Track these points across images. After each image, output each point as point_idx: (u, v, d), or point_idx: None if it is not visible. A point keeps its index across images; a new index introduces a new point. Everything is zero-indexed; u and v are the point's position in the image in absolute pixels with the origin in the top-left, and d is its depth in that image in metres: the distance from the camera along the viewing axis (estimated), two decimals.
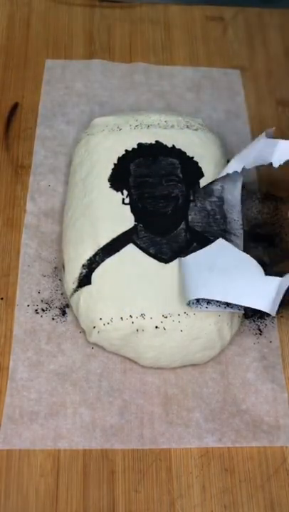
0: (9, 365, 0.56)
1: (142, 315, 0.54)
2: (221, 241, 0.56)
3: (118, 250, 0.56)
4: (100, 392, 0.55)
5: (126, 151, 0.62)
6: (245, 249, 0.58)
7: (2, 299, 0.59)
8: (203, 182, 0.61)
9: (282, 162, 0.57)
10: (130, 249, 0.57)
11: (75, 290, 0.56)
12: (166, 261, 0.56)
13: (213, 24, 0.82)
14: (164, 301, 0.55)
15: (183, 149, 0.63)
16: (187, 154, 0.63)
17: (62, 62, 0.76)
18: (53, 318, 0.58)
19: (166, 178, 0.61)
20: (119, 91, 0.75)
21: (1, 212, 0.64)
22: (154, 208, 0.59)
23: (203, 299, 0.54)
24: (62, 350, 0.57)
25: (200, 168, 0.62)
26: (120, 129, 0.64)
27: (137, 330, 0.54)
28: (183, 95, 0.75)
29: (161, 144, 0.63)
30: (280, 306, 0.57)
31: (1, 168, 0.67)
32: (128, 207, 0.59)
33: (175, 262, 0.56)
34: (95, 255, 0.57)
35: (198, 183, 0.61)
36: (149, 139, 0.63)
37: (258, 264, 0.54)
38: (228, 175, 0.60)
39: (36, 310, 0.58)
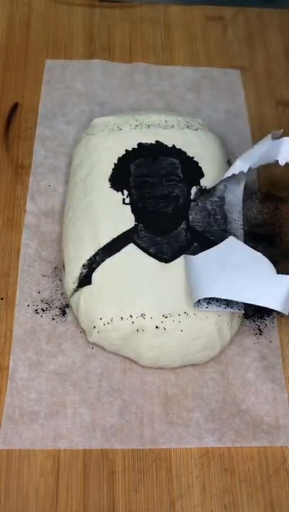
0: (9, 365, 0.56)
1: (142, 315, 0.54)
2: (231, 239, 0.56)
3: (118, 250, 0.56)
4: (100, 392, 0.55)
5: (126, 151, 0.62)
6: None
7: (2, 299, 0.59)
8: (203, 182, 0.61)
9: (288, 160, 0.57)
10: (130, 249, 0.57)
11: (75, 290, 0.56)
12: (167, 261, 0.56)
13: (213, 24, 0.82)
14: (165, 301, 0.55)
15: (183, 149, 0.63)
16: (187, 154, 0.63)
17: (62, 62, 0.76)
18: (53, 318, 0.58)
19: (166, 178, 0.61)
20: (119, 91, 0.75)
21: (1, 212, 0.64)
22: (154, 207, 0.59)
23: (204, 299, 0.54)
24: (62, 350, 0.57)
25: (200, 168, 0.62)
26: (120, 129, 0.64)
27: (137, 330, 0.54)
28: (183, 95, 0.75)
29: (162, 143, 0.63)
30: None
31: (1, 168, 0.67)
32: (128, 207, 0.59)
33: (176, 262, 0.56)
34: (95, 255, 0.57)
35: (200, 184, 0.61)
36: (149, 138, 0.63)
37: (270, 262, 0.54)
38: (233, 175, 0.60)
39: (36, 310, 0.58)
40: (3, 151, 0.69)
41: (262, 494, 0.52)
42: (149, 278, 0.55)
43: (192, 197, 0.60)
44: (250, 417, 0.55)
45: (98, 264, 0.56)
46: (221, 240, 0.57)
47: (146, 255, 0.56)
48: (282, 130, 0.60)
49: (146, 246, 0.57)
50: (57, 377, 0.55)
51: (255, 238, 0.63)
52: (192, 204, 0.59)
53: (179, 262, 0.56)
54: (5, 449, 0.52)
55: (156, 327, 0.54)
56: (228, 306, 0.55)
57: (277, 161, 0.58)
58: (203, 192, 0.60)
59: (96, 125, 0.66)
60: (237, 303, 0.56)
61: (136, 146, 0.63)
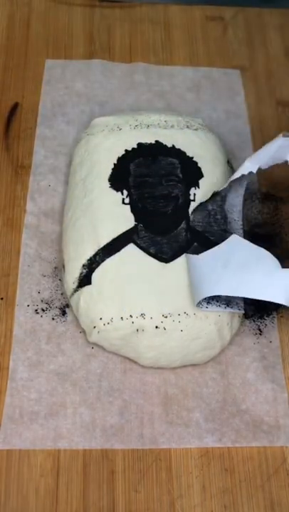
0: (9, 365, 0.56)
1: (142, 315, 0.54)
2: (234, 237, 0.56)
3: (118, 250, 0.56)
4: (100, 392, 0.55)
5: (126, 151, 0.62)
6: None
7: (2, 299, 0.59)
8: (202, 182, 0.61)
9: None
10: (130, 249, 0.57)
11: (75, 290, 0.56)
12: (167, 260, 0.56)
13: (213, 24, 0.82)
14: (165, 301, 0.55)
15: (183, 149, 0.63)
16: (187, 154, 0.63)
17: (62, 62, 0.76)
18: (53, 318, 0.58)
19: (166, 178, 0.61)
20: (119, 91, 0.75)
21: (1, 212, 0.64)
22: (154, 207, 0.59)
23: (204, 299, 0.54)
24: (62, 350, 0.57)
25: (199, 168, 0.62)
26: (120, 129, 0.64)
27: (137, 330, 0.54)
28: (183, 95, 0.75)
29: (161, 143, 0.63)
30: (280, 306, 0.57)
31: (1, 168, 0.67)
32: (128, 207, 0.59)
33: (176, 262, 0.56)
34: (95, 255, 0.57)
35: (198, 184, 0.61)
36: (149, 138, 0.63)
37: (274, 258, 0.53)
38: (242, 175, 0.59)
39: (36, 310, 0.58)
40: (3, 151, 0.69)
41: (262, 494, 0.52)
42: (149, 278, 0.55)
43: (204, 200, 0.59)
44: (250, 417, 0.55)
45: (98, 264, 0.56)
46: (221, 240, 0.57)
47: (146, 255, 0.56)
48: None
49: (146, 246, 0.57)
50: (57, 377, 0.55)
51: (255, 238, 0.63)
52: (192, 204, 0.59)
53: (179, 261, 0.56)
54: (5, 449, 0.52)
55: (156, 327, 0.54)
56: (228, 306, 0.55)
57: (286, 162, 0.57)
58: (215, 194, 0.59)
59: (96, 125, 0.66)
60: (237, 303, 0.56)
61: (136, 146, 0.63)
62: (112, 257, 0.56)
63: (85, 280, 0.56)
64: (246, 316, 0.59)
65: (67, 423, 0.53)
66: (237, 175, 0.58)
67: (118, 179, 0.61)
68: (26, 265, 0.61)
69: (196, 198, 0.60)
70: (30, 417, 0.53)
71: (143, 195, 0.60)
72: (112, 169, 0.61)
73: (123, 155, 0.62)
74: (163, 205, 0.59)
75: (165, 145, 0.63)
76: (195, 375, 0.57)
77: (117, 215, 0.58)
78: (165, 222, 0.59)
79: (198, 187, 0.61)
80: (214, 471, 0.53)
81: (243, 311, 0.57)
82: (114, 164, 0.61)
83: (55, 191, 0.66)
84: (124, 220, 0.58)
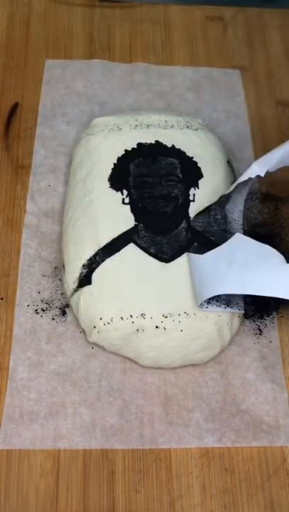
0: (9, 365, 0.56)
1: (142, 315, 0.54)
2: (238, 236, 0.56)
3: (118, 250, 0.56)
4: (100, 392, 0.55)
5: (126, 151, 0.62)
6: None
7: (2, 299, 0.59)
8: (202, 182, 0.61)
9: None
10: (131, 249, 0.57)
11: (76, 290, 0.56)
12: (167, 260, 0.56)
13: (213, 24, 0.82)
14: (165, 300, 0.55)
15: (183, 149, 0.63)
16: (187, 154, 0.63)
17: (62, 62, 0.76)
18: (53, 318, 0.58)
19: (165, 178, 0.61)
20: (119, 91, 0.75)
21: (1, 212, 0.64)
22: (154, 207, 0.59)
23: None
24: (62, 350, 0.57)
25: (199, 169, 0.62)
26: (120, 129, 0.64)
27: (137, 330, 0.54)
28: (183, 95, 0.75)
29: (161, 143, 0.63)
30: (281, 305, 0.57)
31: (1, 168, 0.67)
32: (128, 207, 0.59)
33: (176, 262, 0.56)
34: (95, 255, 0.57)
35: (198, 184, 0.61)
36: (148, 138, 0.63)
37: (279, 254, 0.53)
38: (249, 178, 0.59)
39: (36, 310, 0.58)
40: (3, 151, 0.69)
41: (262, 494, 0.52)
42: (149, 278, 0.55)
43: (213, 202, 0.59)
44: (250, 417, 0.55)
45: (98, 264, 0.56)
46: (221, 240, 0.57)
47: (147, 255, 0.57)
48: None
49: (147, 246, 0.57)
50: (57, 377, 0.55)
51: (255, 238, 0.63)
52: (196, 205, 0.59)
53: (180, 261, 0.56)
54: (5, 449, 0.52)
55: (156, 327, 0.54)
56: (228, 306, 0.55)
57: None
58: (223, 197, 0.59)
59: (96, 125, 0.66)
60: (237, 303, 0.56)
61: (135, 146, 0.63)
62: (112, 257, 0.56)
63: (85, 280, 0.56)
64: (246, 316, 0.59)
65: (67, 423, 0.53)
66: (244, 177, 0.58)
67: (118, 179, 0.61)
68: (26, 265, 0.61)
69: (195, 198, 0.60)
70: (30, 417, 0.53)
71: (143, 195, 0.60)
72: (112, 169, 0.61)
73: (123, 155, 0.62)
74: (163, 205, 0.59)
75: (165, 145, 0.63)
76: (195, 375, 0.57)
77: (117, 215, 0.58)
78: (165, 222, 0.59)
79: (198, 187, 0.61)
80: (214, 471, 0.53)
81: (243, 311, 0.57)
82: (114, 164, 0.61)
83: (55, 191, 0.66)
84: (124, 220, 0.58)
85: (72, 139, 0.69)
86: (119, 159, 0.62)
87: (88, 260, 0.57)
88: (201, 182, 0.61)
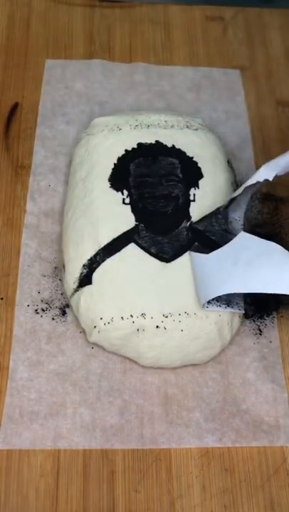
0: (9, 365, 0.56)
1: (143, 315, 0.54)
2: (243, 234, 0.56)
3: (119, 250, 0.56)
4: (100, 392, 0.55)
5: (126, 151, 0.62)
6: None
7: (2, 299, 0.59)
8: (202, 182, 0.61)
9: None
10: (131, 249, 0.57)
11: (76, 290, 0.56)
12: (168, 260, 0.56)
13: (213, 24, 0.82)
14: (165, 300, 0.55)
15: (183, 149, 0.63)
16: (187, 154, 0.63)
17: (62, 62, 0.76)
18: (53, 318, 0.58)
19: (165, 178, 0.61)
20: (119, 91, 0.75)
21: (1, 212, 0.64)
22: (154, 207, 0.59)
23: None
24: (62, 350, 0.57)
25: (199, 169, 0.62)
26: (120, 129, 0.64)
27: (138, 330, 0.54)
28: (183, 95, 0.75)
29: (161, 143, 0.63)
30: (281, 305, 0.57)
31: (1, 168, 0.67)
32: (128, 207, 0.59)
33: (176, 262, 0.56)
34: (95, 255, 0.57)
35: (198, 185, 0.61)
36: (149, 138, 0.63)
37: (284, 250, 0.52)
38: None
39: (36, 310, 0.58)
40: (3, 151, 0.69)
41: (262, 494, 0.52)
42: (150, 278, 0.55)
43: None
44: (250, 417, 0.55)
45: (98, 264, 0.56)
46: (222, 240, 0.57)
47: (147, 255, 0.56)
48: None
49: (147, 246, 0.57)
50: (57, 377, 0.55)
51: None
52: (195, 205, 0.59)
53: (180, 261, 0.56)
54: (5, 449, 0.52)
55: (157, 327, 0.54)
56: (228, 305, 0.55)
57: None
58: (232, 200, 0.59)
59: (96, 125, 0.66)
60: (237, 303, 0.56)
61: (136, 146, 0.63)
62: (113, 257, 0.56)
63: (85, 280, 0.56)
64: (246, 316, 0.59)
65: (67, 423, 0.53)
66: (252, 181, 0.57)
67: (118, 179, 0.61)
68: (26, 265, 0.61)
69: (196, 198, 0.60)
70: (30, 417, 0.53)
71: (143, 195, 0.60)
72: (112, 169, 0.61)
73: (123, 155, 0.62)
74: (163, 205, 0.59)
75: (165, 145, 0.63)
76: (195, 375, 0.57)
77: (117, 215, 0.58)
78: (166, 222, 0.59)
79: (198, 187, 0.61)
80: (214, 471, 0.53)
81: (243, 311, 0.57)
82: (114, 164, 0.61)
83: (55, 191, 0.66)
84: (125, 220, 0.58)
85: (72, 139, 0.69)
86: (119, 159, 0.62)
87: (89, 260, 0.57)
88: (201, 182, 0.61)
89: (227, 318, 0.55)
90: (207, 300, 0.53)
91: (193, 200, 0.60)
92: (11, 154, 0.68)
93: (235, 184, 0.65)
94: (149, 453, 0.53)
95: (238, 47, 0.80)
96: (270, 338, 0.59)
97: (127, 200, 0.59)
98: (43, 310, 0.58)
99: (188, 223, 0.58)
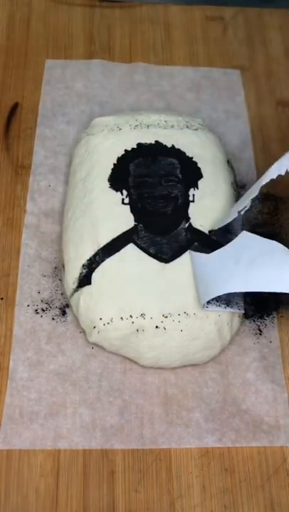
0: (9, 365, 0.56)
1: (142, 315, 0.54)
2: (245, 233, 0.56)
3: (118, 250, 0.56)
4: (100, 392, 0.55)
5: (126, 151, 0.62)
6: None
7: (2, 299, 0.59)
8: (202, 183, 0.61)
9: None
10: (130, 249, 0.57)
11: (75, 290, 0.56)
12: (167, 261, 0.56)
13: (213, 24, 0.82)
14: (164, 300, 0.55)
15: (182, 149, 0.63)
16: (187, 154, 0.63)
17: (62, 62, 0.76)
18: (53, 318, 0.58)
19: (165, 178, 0.61)
20: (119, 91, 0.75)
21: (1, 212, 0.64)
22: (153, 208, 0.59)
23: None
24: (62, 350, 0.57)
25: (199, 169, 0.62)
26: (120, 129, 0.64)
27: (137, 330, 0.54)
28: (183, 95, 0.75)
29: (161, 143, 0.63)
30: (280, 305, 0.57)
31: (1, 168, 0.67)
32: (128, 207, 0.59)
33: (176, 262, 0.56)
34: (95, 255, 0.57)
35: (197, 185, 0.61)
36: (148, 138, 0.63)
37: (287, 249, 0.52)
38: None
39: (36, 310, 0.58)
40: (3, 151, 0.69)
41: (262, 494, 0.52)
42: (149, 278, 0.55)
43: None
44: (250, 417, 0.55)
45: (98, 264, 0.56)
46: (222, 239, 0.56)
47: (146, 255, 0.56)
48: None
49: (146, 246, 0.57)
50: (57, 377, 0.55)
51: None
52: (195, 205, 0.59)
53: (179, 261, 0.56)
54: (5, 449, 0.52)
55: (156, 327, 0.54)
56: (228, 305, 0.55)
57: None
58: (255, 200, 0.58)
59: (96, 125, 0.66)
60: (237, 303, 0.56)
61: (135, 146, 0.63)
62: (112, 257, 0.56)
63: (84, 280, 0.56)
64: (246, 316, 0.59)
65: (67, 423, 0.53)
66: (267, 179, 0.55)
67: (118, 179, 0.61)
68: (26, 265, 0.61)
69: (195, 199, 0.60)
70: (30, 417, 0.53)
71: (143, 196, 0.60)
72: (112, 169, 0.61)
73: (123, 155, 0.62)
74: (163, 206, 0.59)
75: (165, 145, 0.63)
76: (195, 375, 0.57)
77: (116, 215, 0.58)
78: (165, 222, 0.59)
79: (198, 188, 0.61)
80: (214, 471, 0.53)
81: (243, 311, 0.57)
82: (114, 164, 0.61)
83: (55, 191, 0.66)
84: (124, 220, 0.58)
85: (72, 139, 0.69)
86: (119, 159, 0.62)
87: (88, 260, 0.57)
88: (200, 182, 0.61)
89: (227, 318, 0.55)
90: (208, 299, 0.53)
91: (193, 201, 0.60)
92: (11, 154, 0.68)
93: (235, 184, 0.65)
94: (149, 453, 0.53)
95: (238, 47, 0.80)
96: (270, 338, 0.59)
97: (127, 200, 0.59)
98: (43, 310, 0.58)
99: (187, 224, 0.58)
